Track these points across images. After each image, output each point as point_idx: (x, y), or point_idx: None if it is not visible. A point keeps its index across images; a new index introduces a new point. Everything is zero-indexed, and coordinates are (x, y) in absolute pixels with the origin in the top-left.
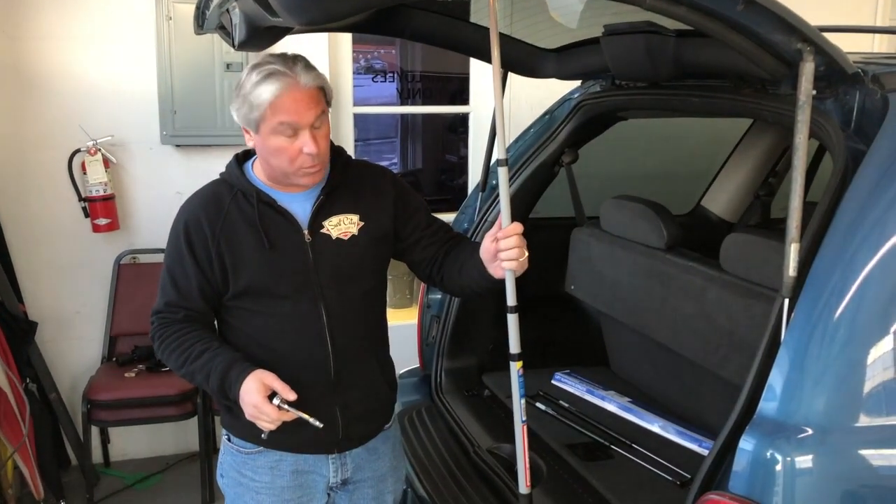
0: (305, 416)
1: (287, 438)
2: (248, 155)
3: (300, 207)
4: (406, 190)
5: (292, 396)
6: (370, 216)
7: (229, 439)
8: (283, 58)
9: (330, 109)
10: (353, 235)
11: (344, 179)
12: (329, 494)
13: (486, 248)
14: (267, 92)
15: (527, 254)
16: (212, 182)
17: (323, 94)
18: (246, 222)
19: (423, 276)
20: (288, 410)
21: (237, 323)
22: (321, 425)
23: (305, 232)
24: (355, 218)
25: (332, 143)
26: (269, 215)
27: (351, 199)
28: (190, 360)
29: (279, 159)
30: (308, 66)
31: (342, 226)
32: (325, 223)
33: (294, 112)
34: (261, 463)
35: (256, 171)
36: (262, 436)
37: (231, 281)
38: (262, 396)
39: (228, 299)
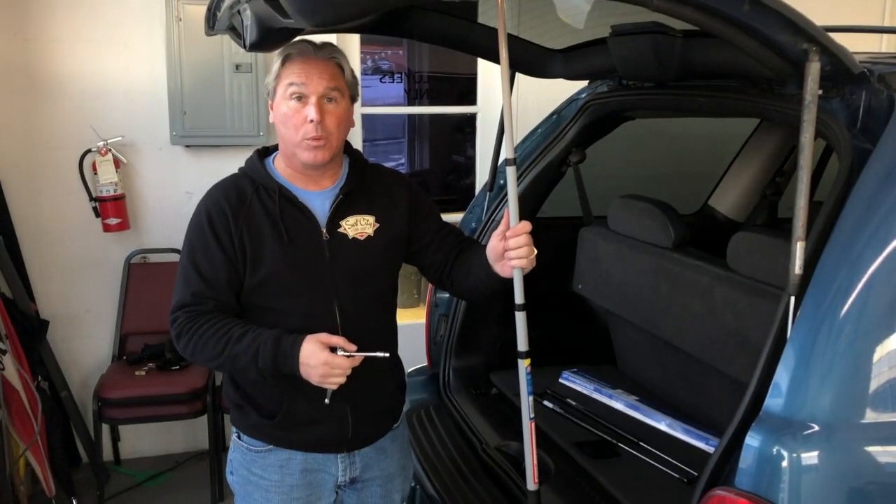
0: (372, 354)
1: (297, 438)
2: (268, 151)
3: (319, 206)
4: (420, 195)
5: (353, 347)
6: (386, 218)
7: (239, 437)
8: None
9: (354, 106)
10: (369, 236)
11: (361, 181)
12: (337, 493)
13: (493, 248)
14: (282, 54)
15: (535, 251)
16: (232, 175)
17: (340, 73)
18: (267, 216)
19: (433, 280)
20: (353, 356)
21: (251, 318)
22: (388, 355)
23: (324, 230)
24: (371, 219)
25: (349, 145)
26: (290, 211)
27: (368, 201)
28: (231, 343)
29: (286, 127)
30: (331, 46)
31: (359, 226)
32: (343, 222)
33: (303, 74)
34: (270, 461)
35: (277, 166)
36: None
37: (248, 273)
38: (328, 353)
39: (244, 294)
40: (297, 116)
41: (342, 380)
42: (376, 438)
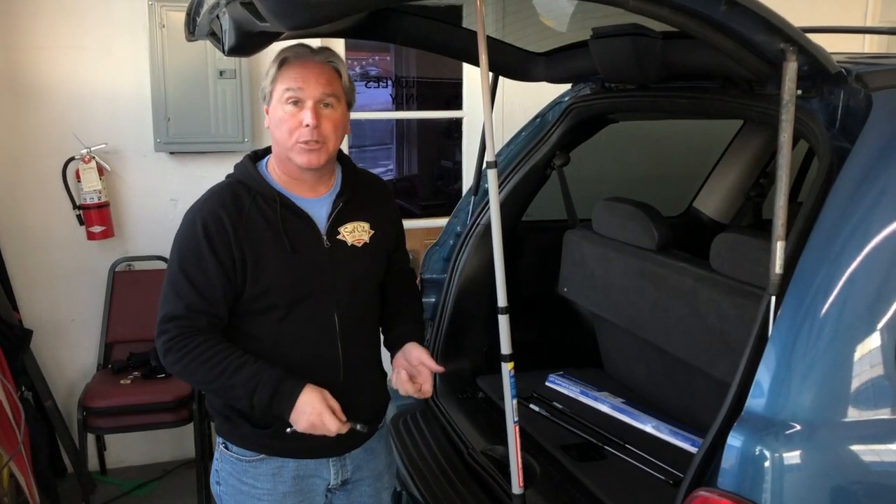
0: (358, 427)
1: (292, 445)
2: (258, 156)
3: (318, 213)
4: (399, 213)
5: (343, 417)
6: (379, 226)
7: (227, 447)
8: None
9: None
10: (366, 243)
11: (355, 186)
12: (327, 496)
13: (402, 380)
14: (279, 58)
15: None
16: (225, 183)
17: (338, 78)
18: (267, 225)
19: None
20: (344, 422)
21: (248, 328)
22: (367, 429)
23: (324, 238)
24: (367, 225)
25: (340, 151)
26: (291, 220)
27: (362, 207)
28: (227, 374)
29: (280, 130)
30: (328, 51)
31: (356, 233)
32: (341, 229)
33: (300, 79)
34: (262, 470)
35: (272, 171)
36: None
37: (249, 283)
38: (326, 408)
39: (243, 303)
40: (292, 120)
41: (332, 434)
42: (366, 439)
